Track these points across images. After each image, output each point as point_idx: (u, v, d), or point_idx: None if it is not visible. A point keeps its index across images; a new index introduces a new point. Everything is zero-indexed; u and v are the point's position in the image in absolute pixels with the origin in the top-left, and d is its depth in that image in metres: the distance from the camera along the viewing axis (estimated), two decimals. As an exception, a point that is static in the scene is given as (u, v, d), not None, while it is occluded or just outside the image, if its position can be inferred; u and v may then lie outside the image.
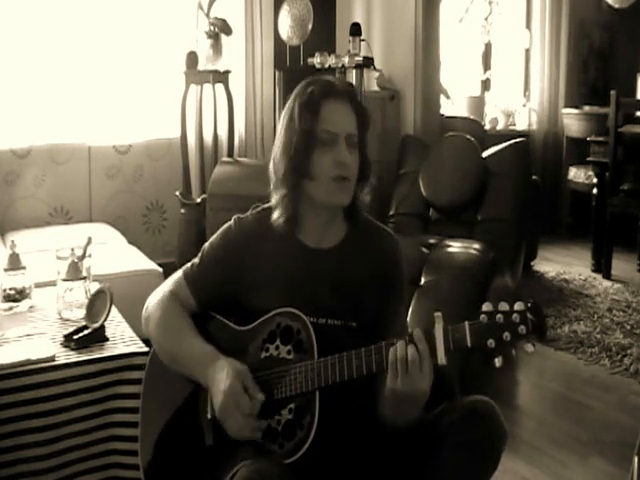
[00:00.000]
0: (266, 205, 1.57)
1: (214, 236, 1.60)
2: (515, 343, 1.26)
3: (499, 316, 1.26)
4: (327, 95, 1.46)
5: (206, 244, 1.60)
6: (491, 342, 1.26)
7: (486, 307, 1.28)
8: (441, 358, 1.28)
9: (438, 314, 1.30)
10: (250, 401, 1.37)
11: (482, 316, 1.27)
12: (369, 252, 1.54)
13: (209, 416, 1.46)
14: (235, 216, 1.60)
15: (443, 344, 1.28)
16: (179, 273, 1.60)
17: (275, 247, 1.52)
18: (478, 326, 1.27)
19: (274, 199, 1.52)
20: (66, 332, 1.91)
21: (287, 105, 1.50)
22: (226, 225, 1.59)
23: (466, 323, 1.28)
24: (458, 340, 1.28)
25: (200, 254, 1.59)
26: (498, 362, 1.26)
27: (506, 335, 1.25)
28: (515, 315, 1.26)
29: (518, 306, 1.27)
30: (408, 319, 1.64)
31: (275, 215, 1.51)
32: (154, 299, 1.60)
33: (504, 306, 1.27)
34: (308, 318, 1.41)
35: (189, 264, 1.60)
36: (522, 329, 1.25)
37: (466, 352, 1.29)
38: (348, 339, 1.40)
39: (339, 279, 1.50)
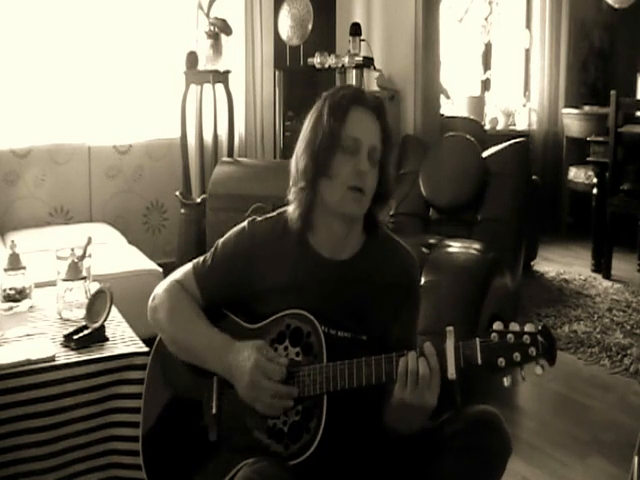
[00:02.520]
0: (281, 209, 1.56)
1: (227, 235, 1.59)
2: (524, 364, 1.26)
3: (510, 336, 1.27)
4: (356, 102, 1.46)
5: (219, 242, 1.59)
6: (501, 361, 1.27)
7: (497, 326, 1.29)
8: (451, 373, 1.29)
9: (450, 329, 1.31)
10: (277, 367, 1.38)
11: (493, 334, 1.28)
12: (384, 267, 1.52)
13: (214, 411, 1.46)
14: (250, 218, 1.59)
15: (454, 360, 1.29)
16: (189, 267, 1.59)
17: (288, 254, 1.51)
18: (489, 344, 1.28)
19: (292, 194, 1.51)
20: (66, 332, 1.91)
21: (316, 105, 1.50)
22: (240, 226, 1.58)
23: (477, 340, 1.29)
24: (468, 357, 1.28)
25: (212, 251, 1.58)
26: (507, 382, 1.28)
27: (516, 355, 1.26)
28: (526, 336, 1.27)
29: (529, 328, 1.28)
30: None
31: (290, 209, 1.51)
32: (162, 288, 1.58)
33: (515, 326, 1.28)
34: (319, 324, 1.41)
35: (200, 259, 1.59)
36: (532, 351, 1.26)
37: (475, 369, 1.29)
38: (357, 352, 1.39)
39: (351, 292, 1.49)
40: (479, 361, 1.27)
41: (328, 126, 1.44)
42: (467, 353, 1.28)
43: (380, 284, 1.50)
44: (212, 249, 1.59)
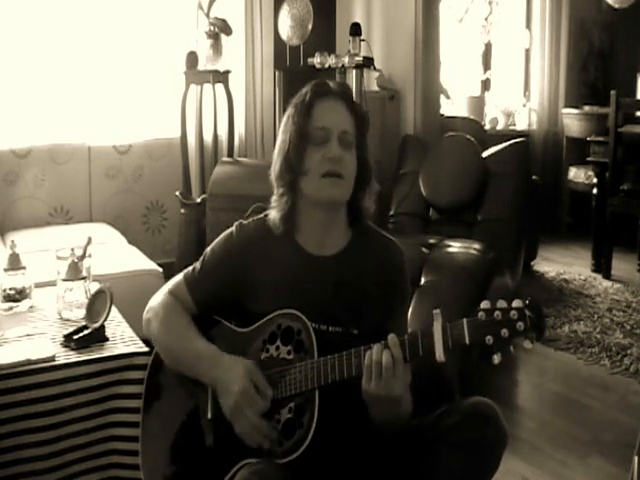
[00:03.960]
0: (269, 211, 1.57)
1: (215, 241, 1.60)
2: (513, 339, 1.26)
3: (497, 313, 1.26)
4: (320, 95, 1.48)
5: (208, 249, 1.60)
6: (489, 339, 1.26)
7: (484, 304, 1.28)
8: (439, 355, 1.28)
9: (437, 311, 1.30)
10: (262, 400, 1.38)
11: (480, 313, 1.28)
12: (372, 261, 1.53)
13: (209, 416, 1.46)
14: (237, 222, 1.60)
15: (442, 341, 1.28)
16: (180, 277, 1.61)
17: (276, 253, 1.52)
18: (476, 323, 1.27)
19: (272, 201, 1.53)
20: (66, 332, 1.91)
21: (286, 113, 1.53)
22: (227, 231, 1.59)
23: (464, 320, 1.28)
24: (456, 337, 1.28)
25: (201, 259, 1.60)
26: (497, 359, 1.26)
27: (504, 332, 1.25)
28: (513, 312, 1.26)
29: (516, 303, 1.27)
30: (408, 320, 1.63)
31: (271, 215, 1.53)
32: (155, 301, 1.60)
33: (502, 303, 1.28)
34: (309, 322, 1.41)
35: (190, 268, 1.60)
36: (520, 325, 1.25)
37: (465, 349, 1.29)
38: (349, 346, 1.39)
39: (341, 287, 1.49)
40: (467, 340, 1.27)
41: (295, 126, 1.46)
42: (455, 333, 1.28)
43: (369, 280, 1.51)
44: (201, 257, 1.60)
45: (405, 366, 1.31)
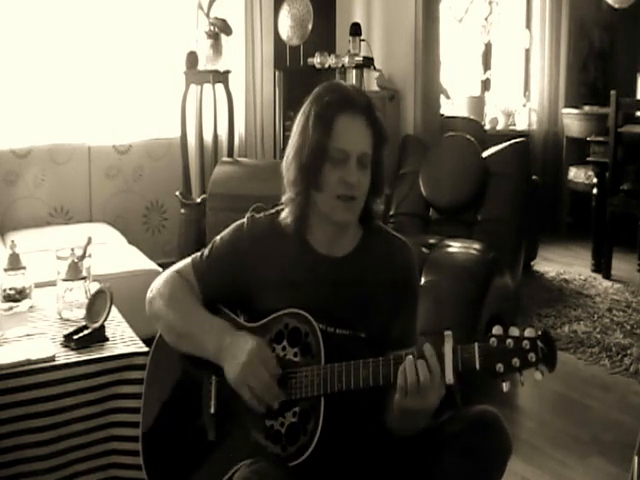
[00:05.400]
0: (280, 207, 1.55)
1: (226, 231, 1.59)
2: (523, 370, 1.25)
3: (509, 341, 1.25)
4: (343, 109, 1.41)
5: (217, 237, 1.59)
6: (500, 367, 1.25)
7: (496, 331, 1.27)
8: (449, 378, 1.27)
9: (448, 333, 1.29)
10: (275, 362, 1.37)
11: (492, 339, 1.26)
12: (382, 261, 1.51)
13: (212, 411, 1.46)
14: (249, 214, 1.59)
15: (452, 364, 1.27)
16: (187, 261, 1.59)
17: (286, 250, 1.51)
18: (488, 349, 1.26)
19: (284, 198, 1.50)
20: (66, 332, 1.91)
21: (303, 108, 1.47)
22: (239, 222, 1.58)
23: (476, 345, 1.27)
24: (467, 361, 1.27)
25: (210, 246, 1.58)
26: (506, 387, 1.26)
27: (515, 361, 1.24)
28: (525, 342, 1.25)
29: (528, 333, 1.26)
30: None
31: (284, 214, 1.51)
32: (160, 280, 1.58)
33: (514, 331, 1.26)
34: (317, 325, 1.40)
35: (199, 253, 1.59)
36: (532, 357, 1.24)
37: (474, 373, 1.28)
38: (356, 350, 1.39)
39: (350, 288, 1.48)
40: (477, 366, 1.26)
41: (314, 139, 1.40)
42: (465, 357, 1.27)
43: (378, 281, 1.50)
44: (211, 244, 1.59)
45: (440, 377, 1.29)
